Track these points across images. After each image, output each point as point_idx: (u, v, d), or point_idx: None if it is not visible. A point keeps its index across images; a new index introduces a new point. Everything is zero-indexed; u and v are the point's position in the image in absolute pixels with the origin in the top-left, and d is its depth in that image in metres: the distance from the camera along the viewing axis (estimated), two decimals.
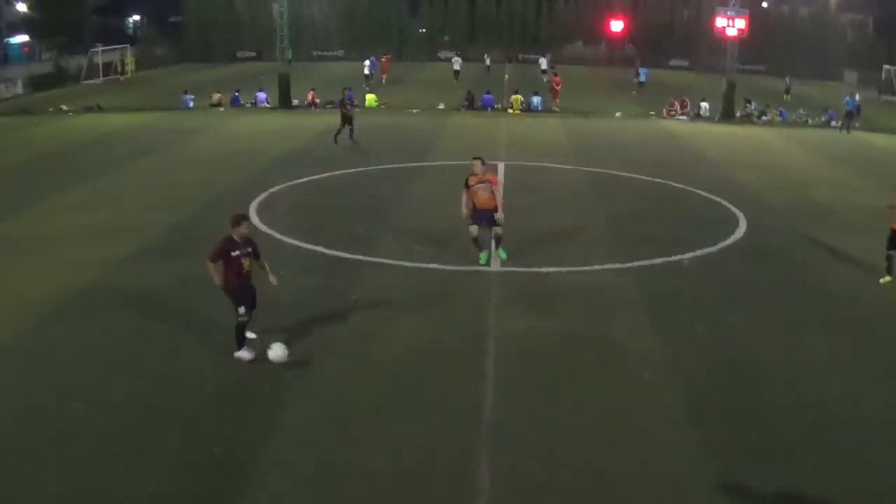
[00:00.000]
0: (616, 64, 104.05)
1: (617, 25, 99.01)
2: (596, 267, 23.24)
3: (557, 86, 63.09)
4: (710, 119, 60.72)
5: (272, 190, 32.03)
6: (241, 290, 16.68)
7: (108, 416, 14.56)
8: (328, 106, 59.51)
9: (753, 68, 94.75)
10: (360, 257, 23.51)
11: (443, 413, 14.82)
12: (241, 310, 16.56)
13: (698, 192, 34.00)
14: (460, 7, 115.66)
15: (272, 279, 17.26)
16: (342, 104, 45.42)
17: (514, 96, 61.57)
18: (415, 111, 57.95)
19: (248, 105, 60.62)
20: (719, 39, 67.01)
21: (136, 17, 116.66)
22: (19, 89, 69.56)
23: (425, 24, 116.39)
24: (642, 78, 77.71)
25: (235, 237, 16.85)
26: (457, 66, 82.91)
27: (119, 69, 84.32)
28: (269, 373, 15.96)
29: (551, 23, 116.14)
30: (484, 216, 22.35)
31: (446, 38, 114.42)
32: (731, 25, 61.37)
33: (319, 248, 24.29)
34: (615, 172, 37.49)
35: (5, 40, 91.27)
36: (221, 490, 12.58)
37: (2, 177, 35.15)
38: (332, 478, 12.89)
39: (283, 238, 25.30)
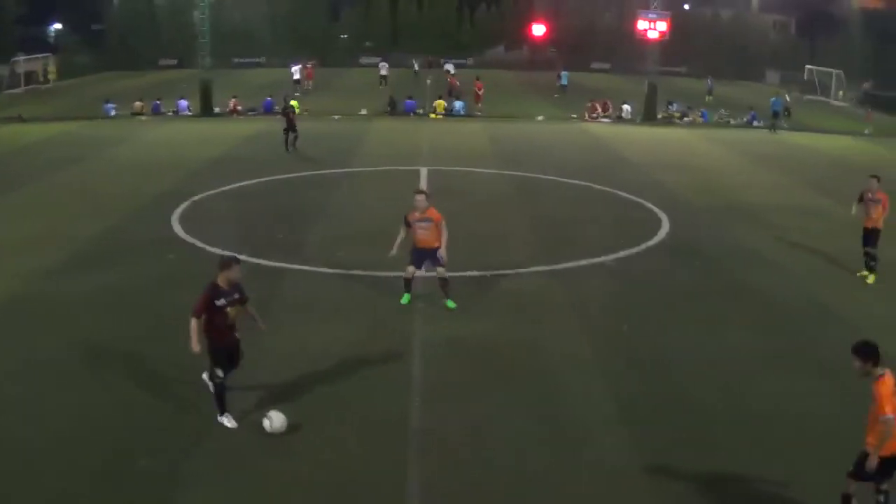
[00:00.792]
0: (538, 68, 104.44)
1: (539, 30, 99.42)
2: (521, 270, 23.29)
3: (480, 90, 63.19)
4: (632, 121, 61.23)
5: (195, 198, 31.74)
6: (222, 346, 14.41)
7: (37, 428, 14.34)
8: (250, 113, 59.31)
9: (675, 70, 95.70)
10: (284, 265, 23.35)
11: (369, 421, 14.74)
12: (219, 372, 14.38)
13: (621, 194, 34.24)
14: (382, 13, 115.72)
15: (261, 325, 15.20)
16: (285, 111, 45.12)
17: (437, 101, 61.60)
18: (337, 117, 57.81)
19: (170, 113, 60.04)
20: (641, 42, 67.54)
21: (58, 26, 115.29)
22: None
23: (347, 31, 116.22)
24: (564, 81, 78.06)
25: (221, 283, 14.54)
26: (384, 72, 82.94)
27: (42, 78, 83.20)
28: (195, 385, 15.79)
29: (473, 28, 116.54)
30: (424, 256, 20.12)
31: (368, 45, 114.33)
32: (652, 28, 61.88)
33: (243, 257, 23.97)
34: (538, 176, 37.63)
35: None
36: (154, 503, 12.46)
37: None
38: (262, 490, 12.78)
39: (206, 247, 25.05)
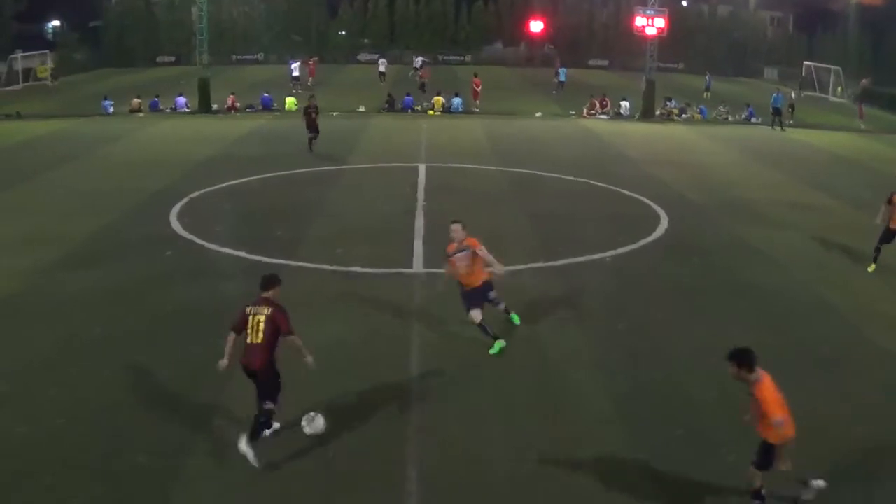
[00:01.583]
0: (536, 64, 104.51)
1: (536, 26, 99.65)
2: (520, 266, 23.23)
3: (478, 87, 63.11)
4: (630, 118, 61.20)
5: (193, 195, 31.73)
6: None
7: (31, 427, 14.32)
8: (248, 110, 59.33)
9: (673, 66, 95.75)
10: (283, 261, 23.26)
11: (369, 417, 14.75)
12: (272, 403, 13.63)
13: (620, 190, 34.24)
14: (380, 10, 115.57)
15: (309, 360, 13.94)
16: (307, 111, 43.58)
17: (435, 98, 61.56)
18: (335, 114, 57.63)
19: (168, 110, 59.99)
20: (639, 39, 67.55)
21: (56, 23, 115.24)
22: None
23: (345, 27, 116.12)
24: (562, 78, 77.98)
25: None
26: (382, 69, 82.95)
27: (49, 76, 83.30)
28: (190, 381, 15.79)
29: (471, 24, 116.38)
30: (475, 296, 17.88)
31: (366, 41, 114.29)
32: (650, 25, 61.87)
33: (241, 254, 24.10)
34: (536, 172, 37.60)
35: None
36: (150, 500, 12.46)
37: None
38: (263, 481, 12.83)
39: (204, 244, 25.11)
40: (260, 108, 60.34)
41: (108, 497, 12.49)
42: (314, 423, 13.73)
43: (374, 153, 41.70)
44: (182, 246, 25.21)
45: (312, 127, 42.44)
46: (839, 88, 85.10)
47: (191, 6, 71.74)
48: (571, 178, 36.58)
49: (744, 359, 12.09)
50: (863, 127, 60.77)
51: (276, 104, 60.69)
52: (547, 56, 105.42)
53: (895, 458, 14.07)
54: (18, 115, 57.00)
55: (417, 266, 23.26)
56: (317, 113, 43.36)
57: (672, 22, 67.67)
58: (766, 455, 12.16)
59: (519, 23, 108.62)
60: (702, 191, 34.98)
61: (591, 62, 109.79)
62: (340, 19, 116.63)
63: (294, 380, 14.94)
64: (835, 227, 28.97)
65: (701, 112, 63.61)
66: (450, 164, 38.93)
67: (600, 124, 57.37)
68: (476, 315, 17.65)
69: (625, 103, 62.59)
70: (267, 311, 13.52)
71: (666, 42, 69.38)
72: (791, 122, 59.30)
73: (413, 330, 18.81)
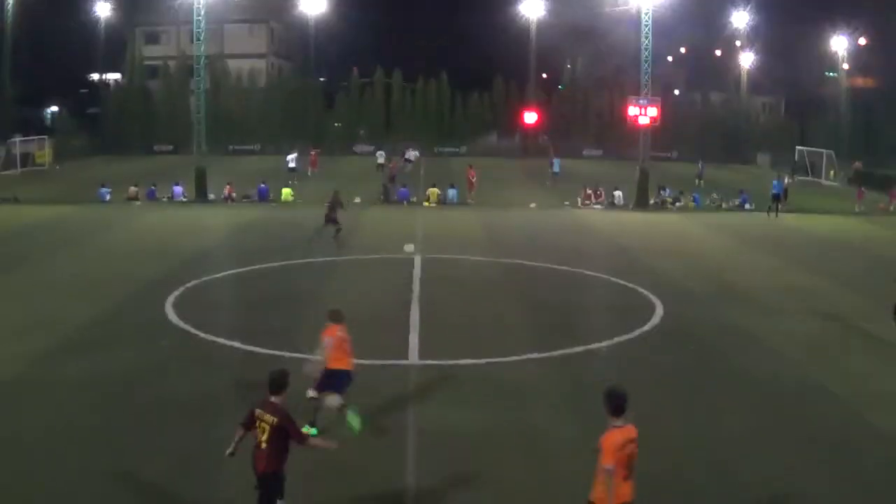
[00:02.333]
0: (531, 155, 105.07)
1: (531, 117, 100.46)
2: (515, 358, 23.20)
3: (472, 178, 63.38)
4: (624, 207, 61.50)
5: (189, 284, 31.73)
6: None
7: None
8: (244, 200, 59.58)
9: (666, 155, 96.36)
10: (277, 352, 23.22)
11: None
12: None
13: (614, 280, 34.27)
14: (375, 101, 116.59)
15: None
16: (331, 204, 42.93)
17: (430, 189, 61.86)
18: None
19: (165, 199, 60.25)
20: (632, 128, 68.14)
21: (55, 108, 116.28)
22: None
23: (341, 119, 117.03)
24: (556, 169, 78.35)
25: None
26: (381, 160, 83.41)
27: (49, 160, 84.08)
28: (182, 473, 15.72)
29: (466, 115, 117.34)
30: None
31: (362, 133, 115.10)
32: (643, 114, 62.48)
33: (236, 344, 24.06)
34: (531, 263, 37.64)
35: None
36: None
37: None
38: None
39: (199, 333, 25.03)
40: (256, 198, 60.57)
41: None
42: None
43: (370, 244, 41.78)
44: (177, 335, 25.17)
45: (331, 219, 41.78)
46: (832, 172, 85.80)
47: (189, 96, 72.29)
48: (566, 268, 36.62)
49: (608, 402, 12.12)
50: (856, 210, 61.22)
51: (272, 195, 60.92)
52: (542, 146, 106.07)
53: None
54: (16, 200, 57.38)
55: (413, 357, 23.21)
56: (341, 206, 43.10)
57: (665, 111, 68.43)
58: None
59: (513, 114, 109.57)
60: (697, 278, 35.08)
61: (585, 152, 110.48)
62: (336, 110, 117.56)
63: (290, 478, 14.88)
64: (830, 311, 29.06)
65: (695, 200, 63.95)
66: (445, 256, 38.99)
67: (595, 214, 57.64)
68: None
69: (618, 193, 62.99)
70: (272, 420, 12.81)
71: (659, 131, 70.05)
72: (783, 206, 59.62)
73: (409, 421, 18.71)
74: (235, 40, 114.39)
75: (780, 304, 30.86)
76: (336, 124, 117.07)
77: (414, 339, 24.89)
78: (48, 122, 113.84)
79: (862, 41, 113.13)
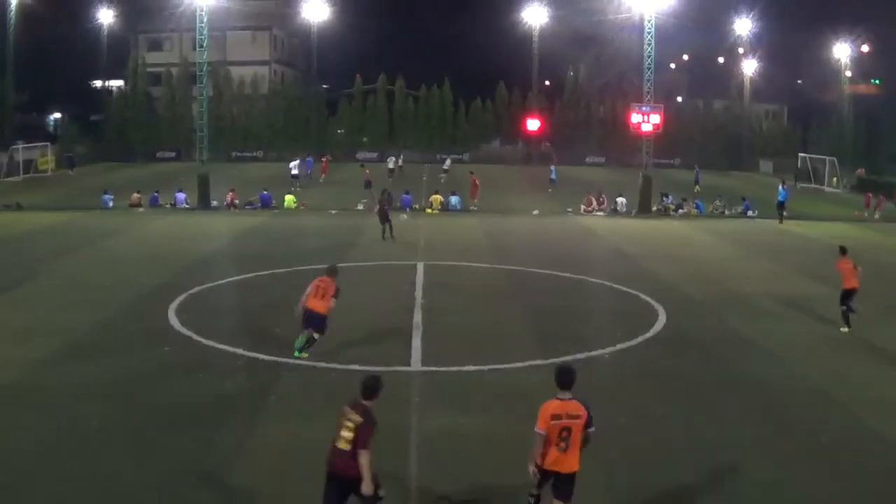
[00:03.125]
0: (533, 162, 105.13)
1: (533, 124, 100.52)
2: (518, 364, 23.21)
3: (476, 185, 63.36)
4: (627, 214, 61.52)
5: (192, 291, 31.75)
6: None
7: None
8: (247, 207, 59.55)
9: (669, 162, 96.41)
10: (281, 359, 23.26)
11: None
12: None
13: (617, 286, 34.30)
14: (378, 108, 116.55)
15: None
16: (381, 204, 47.17)
17: (433, 196, 61.86)
18: (334, 212, 58.02)
19: (168, 206, 60.29)
20: (634, 135, 68.18)
21: (58, 115, 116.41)
22: None
23: (344, 125, 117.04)
24: (552, 176, 78.42)
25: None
26: (391, 165, 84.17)
27: (70, 166, 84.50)
28: (183, 478, 15.71)
29: (469, 122, 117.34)
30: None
31: (365, 140, 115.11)
32: (646, 121, 62.55)
33: (239, 350, 24.06)
34: (534, 270, 37.67)
35: None
36: None
37: None
38: None
39: (202, 340, 25.03)
40: (259, 205, 60.57)
41: None
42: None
43: (373, 251, 41.79)
44: (180, 341, 25.17)
45: (385, 217, 45.61)
46: (835, 179, 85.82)
47: (191, 103, 72.36)
48: (569, 275, 36.63)
49: (556, 375, 13.71)
50: (866, 216, 61.39)
51: (274, 202, 60.92)
52: (544, 154, 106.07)
53: None
54: (18, 207, 57.41)
55: (416, 364, 23.22)
56: (389, 205, 47.43)
57: (667, 118, 68.57)
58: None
59: (516, 121, 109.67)
60: (699, 285, 35.09)
61: (587, 159, 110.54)
62: (339, 117, 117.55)
63: (289, 478, 14.91)
64: (832, 318, 29.03)
65: (697, 207, 63.96)
66: (448, 262, 38.97)
67: (597, 221, 57.63)
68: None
69: (621, 199, 63.05)
70: (358, 420, 13.06)
71: (661, 138, 70.08)
72: (786, 213, 59.65)
73: (412, 427, 18.69)
74: (238, 47, 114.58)
75: (781, 310, 30.94)
76: (339, 131, 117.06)
77: (417, 346, 24.90)
78: (51, 128, 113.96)
79: (865, 48, 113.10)
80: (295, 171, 73.33)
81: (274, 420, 18.90)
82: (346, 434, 12.95)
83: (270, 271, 36.14)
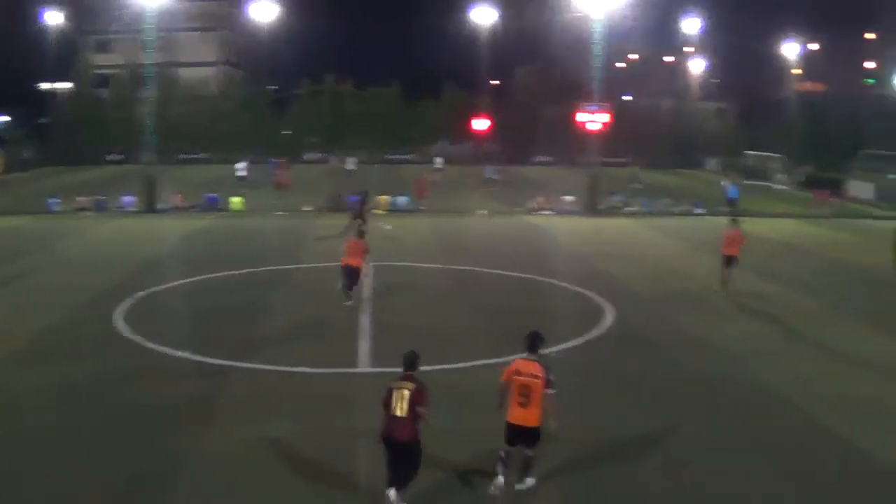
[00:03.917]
0: (482, 162, 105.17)
1: (481, 124, 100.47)
2: (467, 364, 23.27)
3: (425, 185, 63.34)
4: (575, 213, 61.61)
5: (139, 294, 31.58)
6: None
7: None
8: (193, 209, 59.22)
9: (617, 161, 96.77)
10: (228, 362, 23.16)
11: None
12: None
13: (565, 285, 34.45)
14: (326, 108, 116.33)
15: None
16: (360, 204, 46.90)
17: (381, 196, 61.72)
18: (281, 213, 57.84)
19: (115, 209, 59.81)
20: (582, 134, 68.41)
21: (4, 118, 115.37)
22: None
23: (291, 126, 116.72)
24: (491, 175, 79.58)
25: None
26: (351, 166, 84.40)
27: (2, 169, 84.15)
28: (129, 484, 15.65)
29: (417, 122, 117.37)
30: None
31: (312, 140, 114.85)
32: (592, 120, 62.86)
33: (187, 355, 23.96)
34: (484, 270, 37.72)
35: None
36: None
37: None
38: None
39: (149, 345, 24.90)
40: (206, 207, 60.19)
41: None
42: None
43: (320, 253, 41.66)
44: (127, 346, 25.03)
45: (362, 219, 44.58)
46: (783, 176, 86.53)
47: (139, 104, 72.04)
48: (517, 274, 36.72)
49: (526, 339, 16.03)
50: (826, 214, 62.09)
51: (221, 204, 60.61)
52: (492, 153, 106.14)
53: None
54: None
55: (363, 365, 23.23)
56: (365, 204, 47.91)
57: (616, 116, 68.74)
58: None
59: (464, 121, 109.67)
60: (647, 283, 35.31)
61: (536, 158, 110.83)
62: (287, 118, 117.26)
63: (239, 482, 14.90)
64: (780, 314, 29.38)
65: (645, 205, 64.26)
66: (396, 263, 38.95)
67: (545, 220, 57.78)
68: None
69: (569, 198, 63.16)
70: (412, 387, 14.85)
71: (610, 137, 70.36)
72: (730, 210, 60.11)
73: (360, 428, 18.62)
74: (186, 48, 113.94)
75: (730, 307, 31.19)
76: (286, 132, 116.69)
77: (364, 347, 24.90)
78: None
79: (812, 47, 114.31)
80: (242, 173, 72.94)
81: (222, 424, 18.79)
82: (402, 403, 14.65)
83: (219, 273, 35.98)
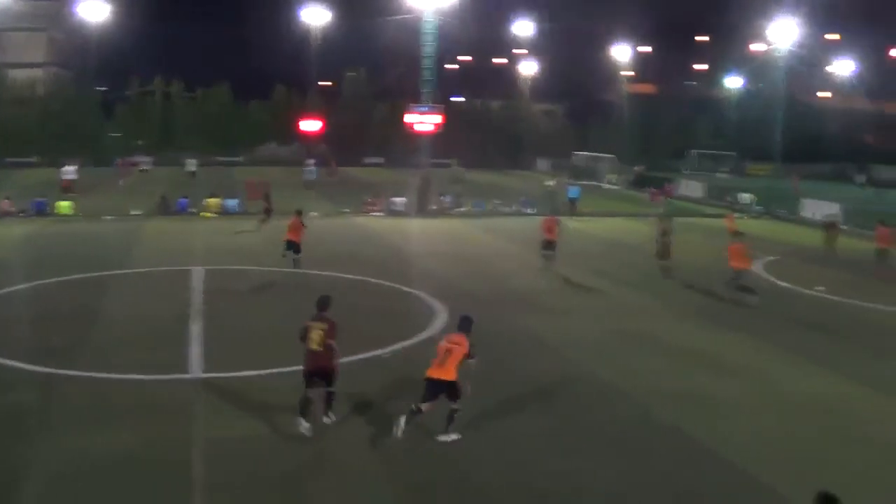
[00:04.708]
0: (304, 164, 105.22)
1: (310, 125, 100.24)
2: (298, 367, 23.30)
3: (253, 188, 62.95)
4: (406, 213, 62.00)
5: None
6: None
7: None
8: (21, 214, 57.75)
9: (448, 162, 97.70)
10: (59, 371, 22.79)
11: None
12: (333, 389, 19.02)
13: (397, 286, 34.75)
14: (155, 111, 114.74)
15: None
16: (267, 199, 52.37)
17: (209, 199, 61.22)
18: (109, 217, 56.89)
19: None
20: (413, 136, 68.91)
21: None
22: None
23: (120, 129, 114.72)
24: (311, 176, 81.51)
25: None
26: (192, 168, 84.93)
27: None
28: None
29: (246, 124, 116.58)
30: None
31: (140, 143, 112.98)
32: (422, 122, 63.43)
33: (14, 363, 23.49)
34: (315, 272, 37.67)
35: None
36: None
37: None
38: None
39: None
40: (33, 212, 58.79)
41: None
42: None
43: (150, 257, 41.17)
44: None
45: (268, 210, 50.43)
46: (613, 175, 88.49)
47: None
48: (350, 276, 36.87)
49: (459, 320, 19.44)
50: (661, 210, 63.40)
51: (49, 208, 59.27)
52: (321, 155, 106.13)
53: None
54: None
55: (195, 371, 23.11)
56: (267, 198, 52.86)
57: (447, 118, 69.40)
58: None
59: (294, 122, 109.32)
60: (480, 282, 35.87)
61: (366, 160, 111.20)
62: (115, 121, 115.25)
63: (71, 492, 14.80)
64: (613, 311, 30.35)
65: (477, 205, 64.99)
66: (226, 267, 38.73)
67: (376, 221, 58.18)
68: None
69: (400, 199, 63.52)
70: (324, 326, 18.57)
71: (441, 138, 70.95)
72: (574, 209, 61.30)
73: (200, 436, 18.58)
74: (13, 49, 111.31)
75: (564, 305, 31.94)
76: (114, 135, 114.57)
77: (195, 353, 24.75)
78: None
79: (644, 49, 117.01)
80: (69, 177, 71.28)
81: (55, 434, 18.49)
82: (317, 338, 18.29)
83: (47, 280, 35.22)
